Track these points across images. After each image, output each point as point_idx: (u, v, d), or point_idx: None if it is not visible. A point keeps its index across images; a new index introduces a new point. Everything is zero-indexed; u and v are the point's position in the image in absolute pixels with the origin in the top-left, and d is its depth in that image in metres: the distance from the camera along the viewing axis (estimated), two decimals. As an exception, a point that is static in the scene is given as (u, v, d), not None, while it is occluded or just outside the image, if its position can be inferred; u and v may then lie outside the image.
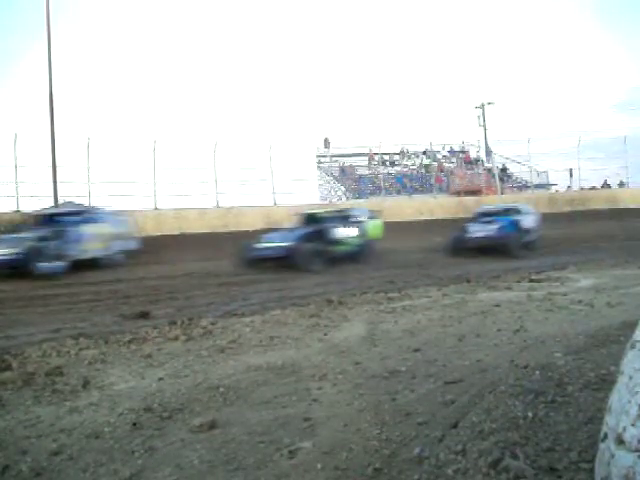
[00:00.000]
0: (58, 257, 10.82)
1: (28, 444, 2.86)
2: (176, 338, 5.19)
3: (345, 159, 30.95)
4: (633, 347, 1.64)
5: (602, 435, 1.60)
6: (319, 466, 2.38)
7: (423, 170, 30.22)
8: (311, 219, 13.40)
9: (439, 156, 31.90)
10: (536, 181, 29.07)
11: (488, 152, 31.25)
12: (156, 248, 13.81)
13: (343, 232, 12.83)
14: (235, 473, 2.40)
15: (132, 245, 13.46)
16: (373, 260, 12.72)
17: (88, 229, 12.21)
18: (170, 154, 19.97)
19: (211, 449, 2.66)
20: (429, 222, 20.32)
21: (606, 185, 28.16)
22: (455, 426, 2.40)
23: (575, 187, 27.31)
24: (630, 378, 1.54)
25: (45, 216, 12.92)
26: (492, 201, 22.60)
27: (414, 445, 2.38)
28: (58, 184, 16.93)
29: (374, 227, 15.46)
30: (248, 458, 2.52)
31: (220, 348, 4.73)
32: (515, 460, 1.89)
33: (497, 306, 6.08)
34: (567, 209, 23.93)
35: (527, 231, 14.51)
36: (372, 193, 27.03)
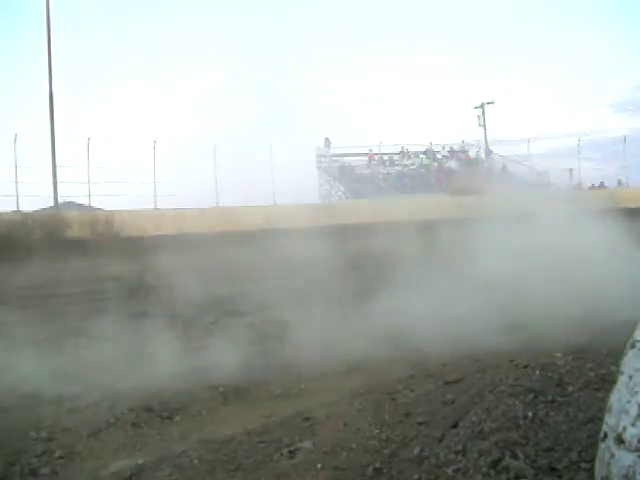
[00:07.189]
0: None
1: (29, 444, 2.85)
2: (176, 338, 5.16)
3: (345, 159, 30.85)
4: (633, 347, 1.64)
5: (602, 435, 1.60)
6: (319, 466, 2.37)
7: (423, 170, 30.15)
8: None
9: (439, 156, 31.82)
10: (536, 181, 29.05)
11: (488, 152, 31.17)
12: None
13: None
14: (235, 473, 2.40)
15: None
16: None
17: None
18: (170, 154, 19.93)
19: (211, 449, 2.65)
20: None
21: (602, 185, 28.10)
22: (455, 426, 2.40)
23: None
24: (630, 378, 1.54)
25: None
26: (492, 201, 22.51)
27: (414, 445, 2.38)
28: (58, 184, 16.91)
29: None
30: (248, 458, 2.52)
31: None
32: (515, 460, 1.89)
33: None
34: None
35: None
36: (372, 193, 26.96)
